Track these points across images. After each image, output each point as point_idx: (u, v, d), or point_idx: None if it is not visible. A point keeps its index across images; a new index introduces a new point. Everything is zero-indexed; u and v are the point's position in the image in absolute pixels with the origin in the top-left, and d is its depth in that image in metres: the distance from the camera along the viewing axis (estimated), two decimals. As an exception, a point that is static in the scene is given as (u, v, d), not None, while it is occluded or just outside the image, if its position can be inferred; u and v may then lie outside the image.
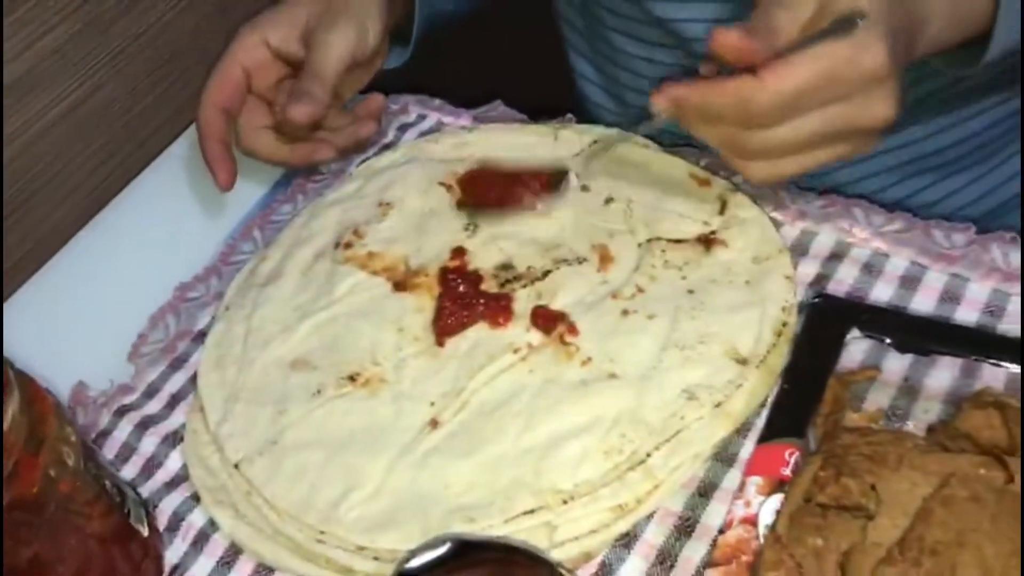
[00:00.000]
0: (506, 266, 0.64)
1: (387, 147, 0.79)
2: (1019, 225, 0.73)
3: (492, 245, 0.66)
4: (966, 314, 0.59)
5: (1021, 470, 0.48)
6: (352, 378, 0.61)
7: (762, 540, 0.48)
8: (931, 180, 0.76)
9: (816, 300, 0.59)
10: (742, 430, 0.56)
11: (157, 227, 0.80)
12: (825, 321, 0.56)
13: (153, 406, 0.66)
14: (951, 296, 0.60)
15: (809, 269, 0.63)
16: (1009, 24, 0.53)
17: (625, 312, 0.60)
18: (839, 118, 0.48)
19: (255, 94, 0.70)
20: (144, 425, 0.64)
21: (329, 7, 0.68)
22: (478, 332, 0.61)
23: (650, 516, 0.54)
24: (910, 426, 0.54)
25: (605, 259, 0.64)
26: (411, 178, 0.72)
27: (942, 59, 0.56)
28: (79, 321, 0.73)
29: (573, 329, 0.60)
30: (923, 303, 0.60)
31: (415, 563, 0.45)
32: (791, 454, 0.51)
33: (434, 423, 0.58)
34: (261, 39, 0.69)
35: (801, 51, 0.47)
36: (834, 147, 0.50)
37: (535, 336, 0.60)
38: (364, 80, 0.73)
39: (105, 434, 0.65)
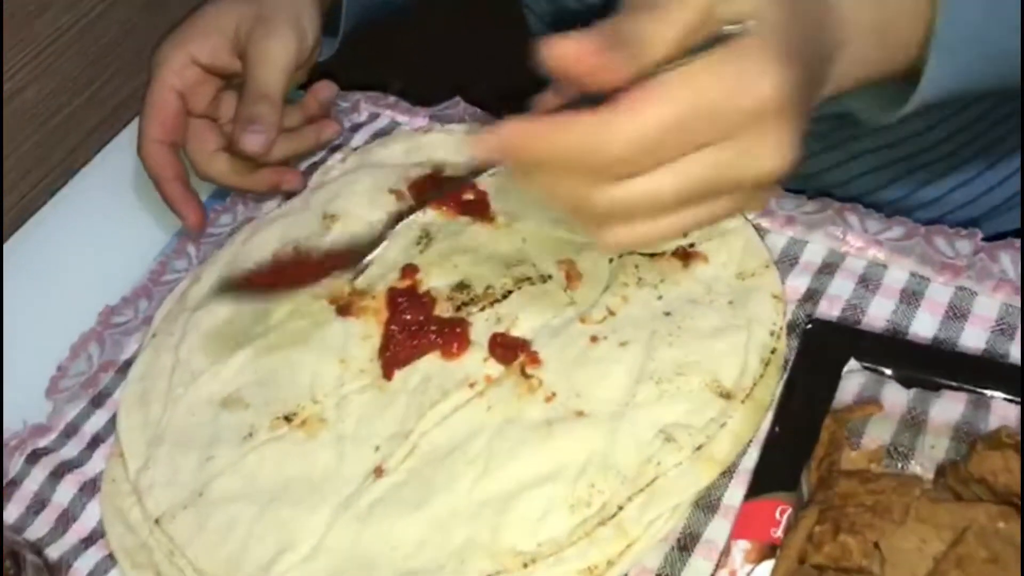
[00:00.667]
0: (462, 286, 0.58)
1: (336, 149, 0.72)
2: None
3: (446, 262, 0.59)
4: (974, 333, 0.53)
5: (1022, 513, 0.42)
6: (288, 418, 0.55)
7: (751, 614, 0.42)
8: (930, 177, 0.70)
9: (809, 327, 0.52)
10: (727, 471, 0.50)
11: (82, 243, 0.72)
12: (819, 351, 0.50)
13: (71, 449, 0.59)
14: (957, 312, 0.54)
15: (799, 282, 0.56)
16: (956, 59, 0.42)
17: (594, 339, 0.54)
18: (714, 168, 0.36)
19: (195, 115, 0.65)
20: (59, 472, 0.58)
21: (260, 12, 0.62)
22: (430, 363, 0.55)
23: (623, 575, 0.48)
24: (915, 466, 0.47)
25: (572, 277, 0.57)
26: (358, 187, 0.65)
27: (861, 98, 0.45)
28: (-9, 352, 0.66)
29: (535, 359, 0.53)
30: (926, 321, 0.54)
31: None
32: (783, 512, 0.44)
33: (379, 471, 0.51)
34: (188, 57, 0.63)
35: (666, 74, 0.35)
36: (712, 204, 0.38)
37: (493, 368, 0.54)
38: (303, 77, 0.67)
39: (15, 484, 0.58)
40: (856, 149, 0.68)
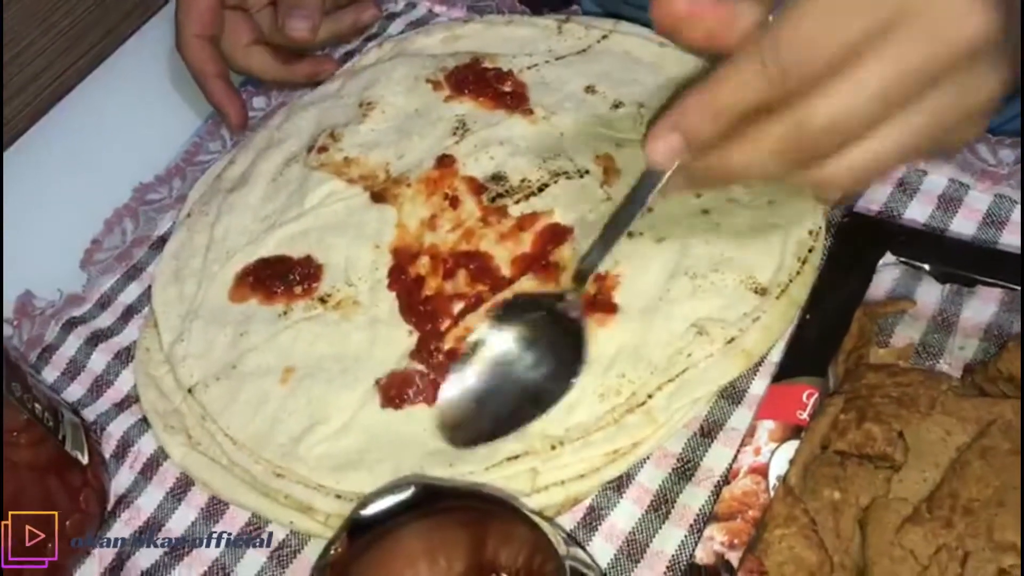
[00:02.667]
0: (497, 177, 0.58)
1: (371, 39, 0.71)
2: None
3: (482, 152, 0.59)
4: (1011, 240, 0.52)
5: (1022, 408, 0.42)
6: (323, 299, 0.55)
7: (772, 493, 0.43)
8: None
9: (845, 219, 0.52)
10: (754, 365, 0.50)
11: (117, 121, 0.72)
12: (855, 243, 0.50)
13: (105, 319, 0.60)
14: (994, 220, 0.53)
15: (836, 186, 0.56)
16: None
17: (630, 234, 0.53)
18: (915, 55, 0.34)
19: (228, 6, 0.64)
20: (94, 340, 0.59)
21: None
22: (462, 253, 0.55)
23: (645, 457, 0.48)
24: (943, 364, 0.48)
25: (610, 172, 0.57)
26: (395, 75, 0.65)
27: None
28: (28, 223, 0.66)
29: (570, 252, 0.53)
30: (963, 226, 0.53)
31: (375, 508, 0.40)
32: (810, 395, 0.44)
33: (412, 355, 0.51)
34: None
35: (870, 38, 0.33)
36: (922, 108, 0.35)
37: (527, 261, 0.54)
38: None
39: (52, 349, 0.59)
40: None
